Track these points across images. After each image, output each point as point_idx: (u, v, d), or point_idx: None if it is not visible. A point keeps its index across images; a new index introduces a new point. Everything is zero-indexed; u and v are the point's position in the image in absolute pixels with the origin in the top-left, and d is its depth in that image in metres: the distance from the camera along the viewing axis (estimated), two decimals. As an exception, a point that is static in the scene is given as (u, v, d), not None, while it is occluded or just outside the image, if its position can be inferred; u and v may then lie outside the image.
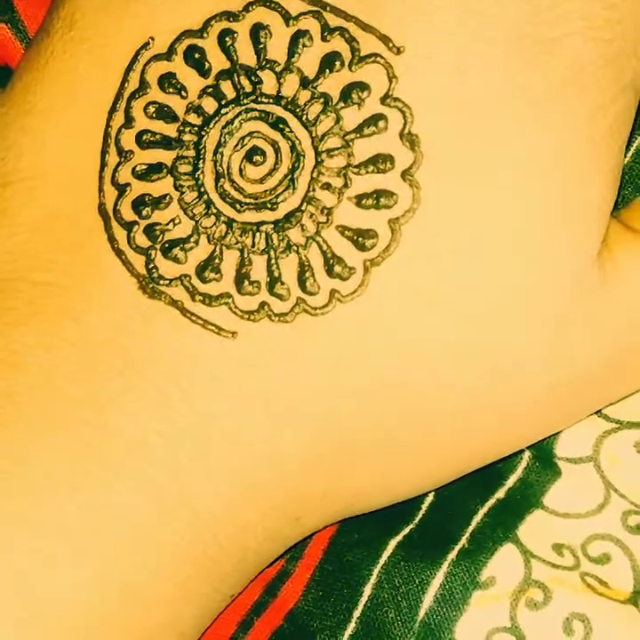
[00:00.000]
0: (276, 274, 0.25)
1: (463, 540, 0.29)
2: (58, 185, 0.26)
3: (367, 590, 0.29)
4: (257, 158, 0.25)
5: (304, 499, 0.26)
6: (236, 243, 0.25)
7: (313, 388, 0.25)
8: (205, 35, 0.26)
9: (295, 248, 0.25)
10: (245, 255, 0.25)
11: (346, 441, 0.25)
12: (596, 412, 0.29)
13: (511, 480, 0.30)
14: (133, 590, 0.24)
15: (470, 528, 0.29)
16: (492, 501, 0.29)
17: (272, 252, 0.25)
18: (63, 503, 0.23)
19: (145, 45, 0.26)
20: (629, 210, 0.28)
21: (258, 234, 0.25)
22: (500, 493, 0.29)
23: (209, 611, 0.26)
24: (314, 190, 0.25)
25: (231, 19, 0.25)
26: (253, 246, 0.25)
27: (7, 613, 0.23)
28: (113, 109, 0.26)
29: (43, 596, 0.23)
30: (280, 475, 0.25)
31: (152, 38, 0.26)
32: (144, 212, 0.25)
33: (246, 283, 0.25)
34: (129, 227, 0.25)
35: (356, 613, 0.28)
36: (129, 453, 0.24)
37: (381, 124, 0.25)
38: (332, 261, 0.25)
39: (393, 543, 0.29)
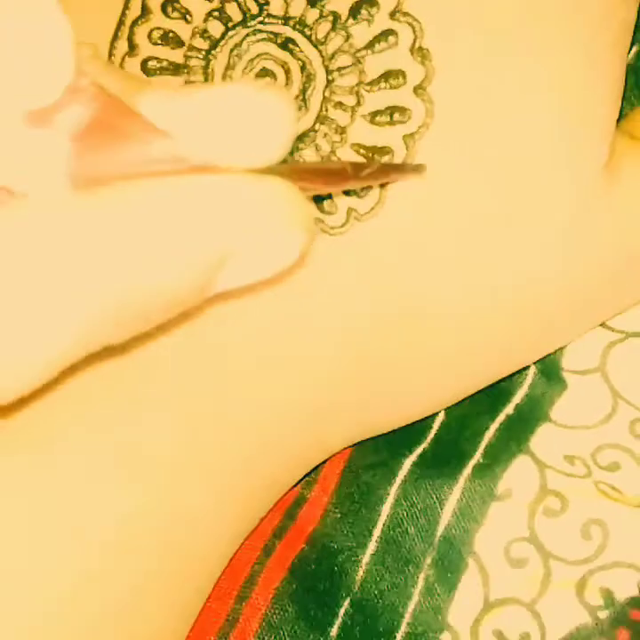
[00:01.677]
0: (293, 195, 0.25)
1: (477, 456, 0.29)
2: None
3: (385, 509, 0.29)
4: (267, 80, 0.25)
5: (328, 418, 0.26)
6: (250, 166, 0.25)
7: (332, 306, 0.25)
8: (207, -43, 0.25)
9: (310, 168, 0.25)
10: (260, 178, 0.25)
11: (365, 357, 0.26)
12: (601, 324, 0.30)
13: (518, 396, 0.30)
14: (176, 509, 0.24)
15: (483, 443, 0.29)
16: (501, 417, 0.30)
17: (287, 174, 0.25)
18: (99, 425, 0.23)
19: (145, -30, 0.26)
20: (632, 120, 0.29)
21: (271, 156, 0.25)
22: (509, 409, 0.30)
23: (239, 532, 0.26)
24: (326, 109, 0.25)
25: (233, -60, 0.25)
26: (267, 168, 0.25)
27: (52, 524, 0.23)
28: (115, 37, 0.26)
29: (87, 508, 0.23)
30: (307, 393, 0.25)
31: None
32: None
33: (262, 205, 0.25)
34: (139, 155, 0.25)
35: (376, 532, 0.29)
36: (153, 377, 0.24)
37: (391, 39, 0.25)
38: (347, 180, 0.25)
39: (408, 462, 0.29)
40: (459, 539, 0.28)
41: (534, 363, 0.30)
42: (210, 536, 0.25)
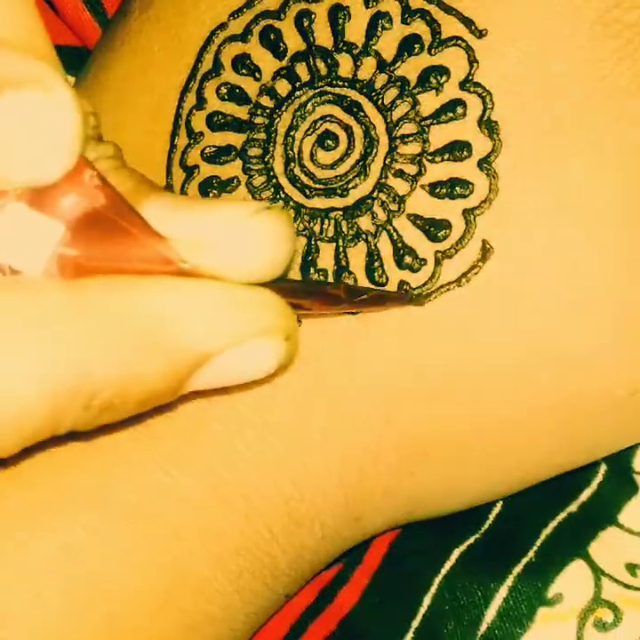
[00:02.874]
0: (344, 262, 0.24)
1: (530, 554, 0.27)
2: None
3: (427, 600, 0.27)
4: (329, 143, 0.24)
5: (363, 497, 0.25)
6: (304, 229, 0.24)
7: (374, 381, 0.24)
8: (283, 16, 0.25)
9: (364, 236, 0.24)
10: (313, 242, 0.24)
11: (407, 439, 0.24)
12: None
13: (585, 494, 0.28)
14: (185, 578, 0.23)
15: (539, 541, 0.27)
16: (563, 515, 0.28)
17: (340, 240, 0.24)
18: (119, 483, 0.23)
19: (221, 26, 0.25)
20: None
21: (326, 220, 0.24)
22: (573, 507, 0.28)
23: (262, 608, 0.25)
24: (386, 177, 0.24)
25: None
26: (321, 233, 0.24)
27: (54, 584, 0.22)
28: (185, 90, 0.25)
29: (90, 572, 0.22)
30: (338, 469, 0.24)
31: (229, 18, 0.25)
32: (211, 195, 0.25)
33: (312, 270, 0.24)
34: (196, 210, 0.25)
35: (414, 623, 0.27)
36: (187, 437, 0.23)
37: (460, 109, 0.23)
38: (402, 251, 0.24)
39: (456, 553, 0.28)
40: (501, 641, 0.27)
41: (605, 461, 0.28)
42: (224, 614, 0.24)
